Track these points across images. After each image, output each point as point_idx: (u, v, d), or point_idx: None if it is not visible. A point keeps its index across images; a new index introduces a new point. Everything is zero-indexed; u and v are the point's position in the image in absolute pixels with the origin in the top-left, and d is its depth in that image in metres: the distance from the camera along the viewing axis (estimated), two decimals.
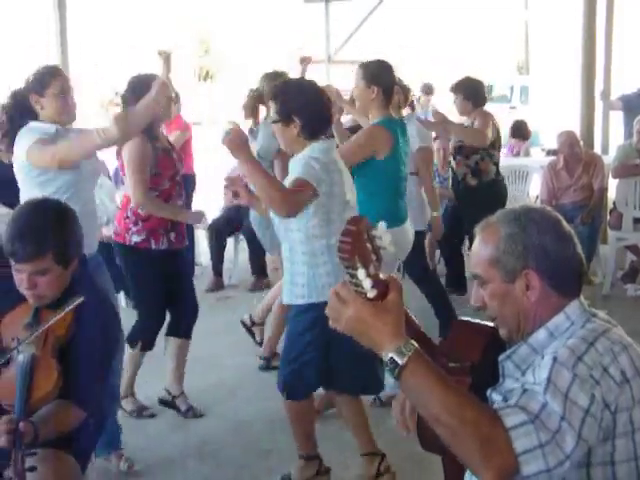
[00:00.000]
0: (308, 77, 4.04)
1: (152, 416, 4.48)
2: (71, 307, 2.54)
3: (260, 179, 3.23)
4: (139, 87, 3.99)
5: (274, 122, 3.39)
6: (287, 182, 3.36)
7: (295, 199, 3.27)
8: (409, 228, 4.45)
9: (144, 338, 4.38)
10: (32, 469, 2.34)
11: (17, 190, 3.76)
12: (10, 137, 3.76)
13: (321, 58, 11.18)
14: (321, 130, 3.41)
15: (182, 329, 4.51)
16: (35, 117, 3.73)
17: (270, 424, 4.34)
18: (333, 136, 3.85)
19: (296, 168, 3.35)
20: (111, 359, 2.76)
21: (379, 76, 4.25)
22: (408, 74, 5.48)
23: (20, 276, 2.58)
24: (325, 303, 1.70)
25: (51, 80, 3.72)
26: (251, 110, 5.80)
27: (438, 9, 22.87)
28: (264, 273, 6.96)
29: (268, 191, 3.22)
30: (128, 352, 4.26)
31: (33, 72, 3.76)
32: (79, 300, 2.55)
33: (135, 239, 4.26)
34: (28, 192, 3.61)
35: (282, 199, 3.23)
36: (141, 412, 4.49)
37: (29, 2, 16.36)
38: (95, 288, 2.77)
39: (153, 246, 4.27)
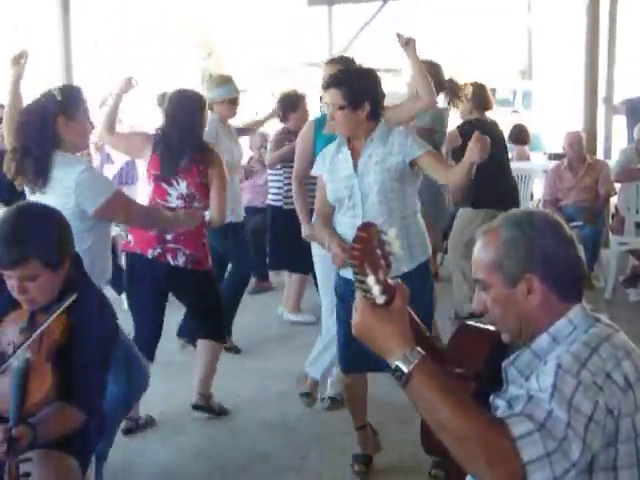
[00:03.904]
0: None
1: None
2: (64, 306, 2.52)
3: None
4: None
5: (340, 108, 3.46)
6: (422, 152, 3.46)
7: None
8: None
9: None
10: (27, 475, 2.33)
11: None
12: (34, 164, 3.40)
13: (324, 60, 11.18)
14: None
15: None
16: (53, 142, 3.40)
17: (269, 427, 4.33)
18: None
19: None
20: (109, 360, 2.74)
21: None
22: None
23: (10, 282, 2.55)
24: None
25: (80, 102, 3.48)
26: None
27: (440, 13, 22.89)
28: (266, 276, 6.96)
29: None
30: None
31: (59, 92, 3.40)
32: (71, 298, 2.53)
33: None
34: None
35: None
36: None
37: (33, 6, 16.38)
38: (91, 288, 2.74)
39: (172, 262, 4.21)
